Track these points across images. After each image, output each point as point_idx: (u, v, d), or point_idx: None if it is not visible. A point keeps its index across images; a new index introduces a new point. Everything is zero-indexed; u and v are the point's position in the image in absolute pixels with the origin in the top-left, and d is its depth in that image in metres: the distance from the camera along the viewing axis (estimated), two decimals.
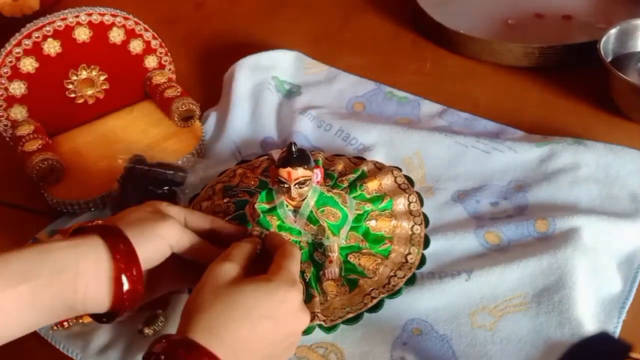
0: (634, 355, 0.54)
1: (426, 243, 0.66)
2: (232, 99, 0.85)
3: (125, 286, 0.49)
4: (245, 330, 0.46)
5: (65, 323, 0.63)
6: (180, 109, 0.80)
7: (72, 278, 0.47)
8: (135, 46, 0.82)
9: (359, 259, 0.64)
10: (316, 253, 0.64)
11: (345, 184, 0.68)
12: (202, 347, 0.44)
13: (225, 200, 0.68)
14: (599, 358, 0.56)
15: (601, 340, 0.57)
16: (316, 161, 0.68)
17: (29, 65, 0.76)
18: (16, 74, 0.76)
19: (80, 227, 0.52)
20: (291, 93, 0.88)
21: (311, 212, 0.62)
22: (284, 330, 0.49)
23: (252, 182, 0.69)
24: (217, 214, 0.68)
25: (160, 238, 0.52)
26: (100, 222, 0.54)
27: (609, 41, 0.83)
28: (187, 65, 0.96)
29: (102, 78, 0.82)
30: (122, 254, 0.49)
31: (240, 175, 0.72)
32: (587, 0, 0.99)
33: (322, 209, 0.62)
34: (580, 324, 0.58)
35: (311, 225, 0.62)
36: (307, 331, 0.60)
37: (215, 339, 0.44)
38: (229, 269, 0.50)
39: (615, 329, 0.59)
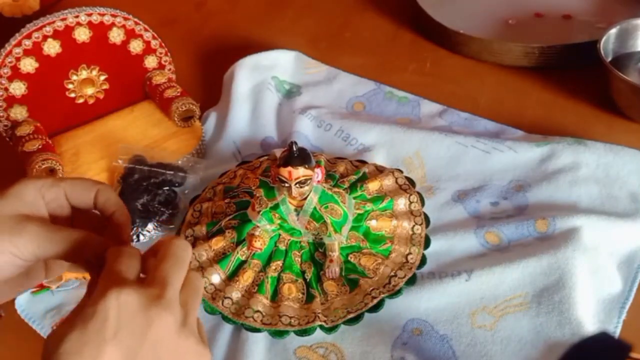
0: (634, 355, 0.54)
1: (427, 243, 0.66)
2: (232, 99, 0.85)
3: None
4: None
5: None
6: (180, 109, 0.80)
7: None
8: (135, 46, 0.82)
9: (360, 259, 0.64)
10: (317, 253, 0.64)
11: (346, 185, 0.68)
12: None
13: (226, 201, 0.69)
14: (599, 358, 0.56)
15: (601, 340, 0.57)
16: (318, 162, 0.68)
17: (29, 65, 0.76)
18: (16, 74, 0.76)
19: None
20: (291, 93, 0.88)
21: (315, 208, 0.62)
22: (138, 339, 0.38)
23: (253, 183, 0.69)
24: (217, 214, 0.68)
25: (10, 255, 0.43)
26: None
27: (609, 41, 0.83)
28: (187, 65, 0.96)
29: (102, 78, 0.82)
30: None
31: (240, 176, 0.72)
32: (587, 0, 0.99)
33: (325, 205, 0.62)
34: (580, 324, 0.58)
35: (314, 224, 0.62)
36: (308, 331, 0.60)
37: None
38: (76, 309, 0.41)
39: (615, 329, 0.59)
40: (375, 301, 0.61)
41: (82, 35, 0.78)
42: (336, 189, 0.65)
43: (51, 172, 0.74)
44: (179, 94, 0.82)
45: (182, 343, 0.40)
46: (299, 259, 0.64)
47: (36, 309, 0.65)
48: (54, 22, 0.76)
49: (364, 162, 0.74)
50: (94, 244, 0.45)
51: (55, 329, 0.40)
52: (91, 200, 0.48)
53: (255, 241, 0.63)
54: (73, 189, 0.47)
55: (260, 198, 0.63)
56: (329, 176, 0.68)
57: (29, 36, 0.75)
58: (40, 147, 0.75)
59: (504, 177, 0.73)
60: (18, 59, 0.75)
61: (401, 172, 0.73)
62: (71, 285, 0.67)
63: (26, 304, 0.65)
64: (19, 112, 0.78)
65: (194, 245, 0.67)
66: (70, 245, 0.44)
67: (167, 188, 0.73)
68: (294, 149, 0.59)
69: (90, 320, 0.37)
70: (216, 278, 0.64)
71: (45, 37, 0.76)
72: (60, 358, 0.36)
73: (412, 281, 0.63)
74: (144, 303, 0.38)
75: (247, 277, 0.63)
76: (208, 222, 0.68)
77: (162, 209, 0.72)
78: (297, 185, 0.60)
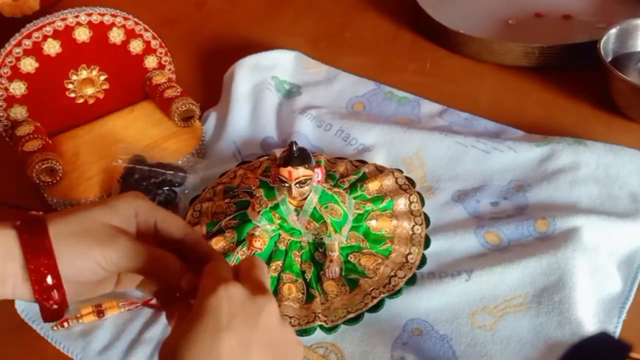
0: (634, 355, 0.54)
1: (427, 243, 0.66)
2: (232, 99, 0.85)
3: (43, 284, 0.45)
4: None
5: (65, 323, 0.63)
6: (180, 109, 0.80)
7: None
8: (135, 46, 0.82)
9: (360, 259, 0.64)
10: (317, 253, 0.64)
11: (346, 185, 0.68)
12: None
13: (226, 201, 0.69)
14: (599, 358, 0.56)
15: (601, 340, 0.57)
16: (318, 162, 0.69)
17: (29, 65, 0.76)
18: (16, 74, 0.76)
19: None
20: (291, 93, 0.88)
21: (315, 208, 0.62)
22: (251, 328, 0.41)
23: (253, 183, 0.69)
24: (217, 214, 0.68)
25: (95, 263, 0.46)
26: (37, 213, 0.48)
27: (609, 41, 0.83)
28: (187, 65, 0.96)
29: (102, 78, 0.82)
30: (33, 255, 0.44)
31: (240, 176, 0.72)
32: (587, 0, 0.99)
33: (325, 205, 0.62)
34: (580, 324, 0.58)
35: (314, 224, 0.62)
36: (308, 331, 0.60)
37: None
38: (173, 333, 0.44)
39: (615, 329, 0.59)
40: (375, 301, 0.61)
41: (82, 35, 0.78)
42: (336, 189, 0.65)
43: (51, 172, 0.74)
44: (179, 94, 0.82)
45: (285, 331, 0.43)
46: (299, 259, 0.64)
47: (36, 309, 0.65)
48: (54, 22, 0.76)
49: (364, 162, 0.74)
50: (174, 264, 0.48)
51: (170, 333, 0.43)
52: (179, 236, 0.50)
53: (255, 241, 0.63)
54: (164, 220, 0.50)
55: (260, 198, 0.63)
56: (329, 176, 0.68)
57: (29, 36, 0.75)
58: (40, 147, 0.75)
59: (504, 177, 0.73)
60: (18, 59, 0.75)
61: (401, 172, 0.73)
62: None
63: (26, 304, 0.65)
64: (19, 112, 0.78)
65: None
66: (153, 262, 0.47)
67: (167, 188, 0.73)
68: (294, 149, 0.59)
69: (204, 314, 0.40)
70: None
71: (45, 37, 0.76)
72: (181, 351, 0.39)
73: (412, 281, 0.63)
74: (250, 294, 0.42)
75: None
76: (208, 222, 0.68)
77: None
78: (297, 185, 0.60)
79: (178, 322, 0.46)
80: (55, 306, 0.46)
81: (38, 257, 0.44)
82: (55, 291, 0.45)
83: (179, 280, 0.48)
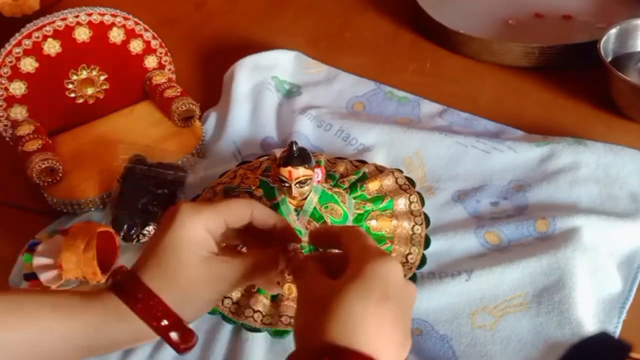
0: (634, 355, 0.54)
1: (427, 243, 0.66)
2: (232, 99, 0.85)
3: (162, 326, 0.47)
4: (376, 320, 0.43)
5: None
6: (180, 109, 0.80)
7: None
8: (135, 46, 0.82)
9: None
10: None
11: (346, 185, 0.68)
12: (355, 351, 0.41)
13: None
14: (599, 358, 0.56)
15: (601, 340, 0.57)
16: (318, 162, 0.68)
17: (29, 65, 0.76)
18: (16, 74, 0.76)
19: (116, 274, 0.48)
20: (291, 93, 0.88)
21: (315, 208, 0.62)
22: (400, 306, 0.45)
23: (253, 183, 0.69)
24: None
25: (217, 295, 0.49)
26: (124, 268, 0.49)
27: (609, 41, 0.83)
28: (187, 65, 0.96)
29: (102, 78, 0.82)
30: (143, 305, 0.46)
31: (240, 176, 0.72)
32: (587, 0, 0.99)
33: (325, 205, 0.62)
34: (580, 324, 0.58)
35: (314, 224, 0.62)
36: None
37: (354, 340, 0.42)
38: (319, 281, 0.47)
39: (615, 329, 0.59)
40: None
41: (82, 35, 0.78)
42: (336, 189, 0.65)
43: (51, 172, 0.74)
44: (179, 94, 0.82)
45: (408, 285, 0.46)
46: None
47: None
48: (54, 21, 0.76)
49: (363, 162, 0.74)
50: (265, 262, 0.52)
51: (316, 284, 0.46)
52: (247, 219, 0.52)
53: None
54: (231, 214, 0.51)
55: (260, 198, 0.63)
56: (329, 176, 0.68)
57: (29, 36, 0.75)
58: (40, 147, 0.75)
59: (504, 177, 0.73)
60: (18, 59, 0.75)
61: (401, 172, 0.73)
62: (71, 284, 0.66)
63: None
64: (19, 112, 0.78)
65: None
66: (244, 272, 0.50)
67: (167, 188, 0.73)
68: (294, 148, 0.59)
69: (371, 278, 0.43)
70: None
71: (45, 37, 0.76)
72: (343, 305, 0.42)
73: (412, 281, 0.63)
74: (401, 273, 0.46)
75: None
76: None
77: (162, 208, 0.72)
78: (297, 185, 0.60)
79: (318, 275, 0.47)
80: (178, 339, 0.47)
81: (148, 307, 0.46)
82: (172, 326, 0.47)
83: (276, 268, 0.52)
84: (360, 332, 0.42)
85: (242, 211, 0.51)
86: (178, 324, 0.47)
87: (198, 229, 0.48)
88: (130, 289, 0.46)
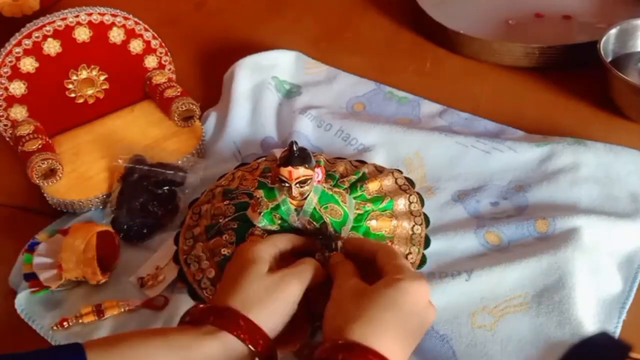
0: (634, 355, 0.54)
1: (427, 243, 0.66)
2: (232, 99, 0.85)
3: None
4: (395, 328, 0.49)
5: (65, 323, 0.63)
6: (180, 109, 0.80)
7: None
8: (135, 46, 0.82)
9: None
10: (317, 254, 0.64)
11: (346, 185, 0.68)
12: (369, 348, 0.47)
13: (225, 203, 0.68)
14: (599, 358, 0.56)
15: (601, 340, 0.57)
16: (318, 162, 0.68)
17: (29, 65, 0.76)
18: (16, 73, 0.76)
19: (200, 316, 0.52)
20: (291, 93, 0.88)
21: (315, 209, 0.62)
22: (420, 323, 0.51)
23: (251, 184, 0.69)
24: (216, 216, 0.68)
25: (292, 304, 0.54)
26: (218, 310, 0.52)
27: (609, 41, 0.83)
28: (187, 65, 0.96)
29: (102, 78, 0.82)
30: (249, 336, 0.51)
31: (239, 178, 0.72)
32: (587, 0, 0.99)
33: (325, 205, 0.62)
34: (580, 324, 0.58)
35: (314, 224, 0.62)
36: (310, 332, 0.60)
37: (373, 340, 0.47)
38: (356, 282, 0.53)
39: (615, 329, 0.59)
40: None
41: (82, 34, 0.78)
42: (336, 189, 0.65)
43: (51, 172, 0.74)
44: (179, 94, 0.82)
45: (431, 303, 0.52)
46: None
47: (36, 309, 0.65)
48: (54, 21, 0.76)
49: (363, 162, 0.74)
50: (299, 241, 0.61)
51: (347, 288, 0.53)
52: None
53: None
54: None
55: (260, 199, 0.63)
56: (328, 176, 0.68)
57: (29, 36, 0.75)
58: (40, 146, 0.75)
59: (504, 177, 0.73)
60: (18, 59, 0.75)
61: (400, 172, 0.73)
62: (71, 284, 0.67)
63: (26, 304, 0.65)
64: (19, 112, 0.78)
65: (193, 247, 0.67)
66: (290, 247, 0.60)
67: (167, 188, 0.73)
68: (295, 148, 0.59)
69: (390, 297, 0.50)
70: None
71: (45, 37, 0.76)
72: (367, 313, 0.49)
73: None
74: (420, 280, 0.52)
75: None
76: (207, 223, 0.68)
77: (162, 208, 0.72)
78: (298, 185, 0.60)
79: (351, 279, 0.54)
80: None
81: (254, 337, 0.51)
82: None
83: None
84: (379, 335, 0.48)
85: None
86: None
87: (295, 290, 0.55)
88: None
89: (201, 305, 0.53)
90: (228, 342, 0.50)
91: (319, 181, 0.62)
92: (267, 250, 0.57)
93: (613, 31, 0.84)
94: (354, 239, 0.62)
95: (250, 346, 0.50)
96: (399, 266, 0.53)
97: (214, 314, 0.51)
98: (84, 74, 0.81)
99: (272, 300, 0.52)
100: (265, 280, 0.54)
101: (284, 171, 0.59)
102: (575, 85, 0.86)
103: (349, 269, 0.56)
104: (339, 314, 0.51)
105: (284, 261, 0.58)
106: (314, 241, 0.62)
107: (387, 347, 0.47)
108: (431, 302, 0.52)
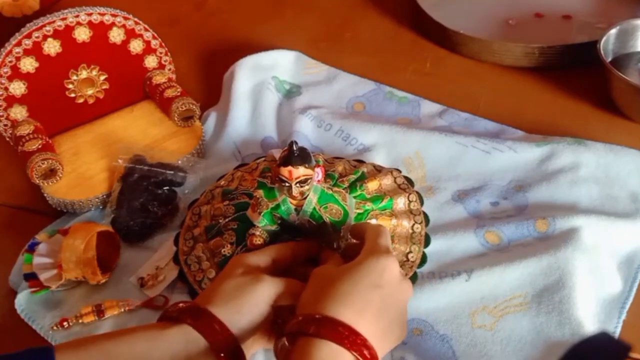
0: (634, 355, 0.54)
1: (427, 241, 0.66)
2: (232, 99, 0.85)
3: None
4: (365, 302, 0.50)
5: (65, 323, 0.63)
6: (180, 109, 0.80)
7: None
8: (135, 46, 0.82)
9: None
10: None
11: (346, 184, 0.68)
12: (338, 320, 0.48)
13: (224, 203, 0.68)
14: (599, 358, 0.56)
15: (601, 340, 0.57)
16: (317, 161, 0.68)
17: (29, 65, 0.76)
18: (16, 73, 0.76)
19: (170, 312, 0.53)
20: (291, 93, 0.88)
21: (314, 208, 0.62)
22: (390, 297, 0.52)
23: (251, 185, 0.69)
24: (216, 217, 0.68)
25: (261, 304, 0.54)
26: (184, 305, 0.53)
27: (609, 41, 0.83)
28: (187, 65, 0.96)
29: (102, 78, 0.82)
30: (218, 338, 0.51)
31: (238, 179, 0.72)
32: (587, 0, 0.99)
33: (324, 205, 0.62)
34: (580, 324, 0.58)
35: (313, 223, 0.62)
36: None
37: (344, 313, 0.49)
38: (330, 266, 0.56)
39: (615, 329, 0.59)
40: None
41: (82, 34, 0.78)
42: (336, 189, 0.65)
43: (51, 172, 0.74)
44: (179, 94, 0.82)
45: (405, 279, 0.55)
46: None
47: (36, 308, 0.65)
48: (54, 21, 0.76)
49: (362, 162, 0.74)
50: (299, 246, 0.62)
51: (330, 266, 0.56)
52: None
53: (256, 240, 0.63)
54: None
55: (260, 199, 0.63)
56: (328, 176, 0.68)
57: (29, 36, 0.75)
58: (40, 146, 0.75)
59: (504, 177, 0.73)
60: (18, 59, 0.75)
61: (399, 171, 0.73)
62: (71, 284, 0.67)
63: (26, 304, 0.65)
64: (19, 112, 0.78)
65: (193, 248, 0.67)
66: (290, 254, 0.61)
67: (167, 188, 0.73)
68: (294, 148, 0.59)
69: (367, 269, 0.52)
70: None
71: (45, 37, 0.76)
72: (342, 285, 0.51)
73: (412, 280, 0.63)
74: (387, 256, 0.54)
75: None
76: (207, 224, 0.68)
77: (162, 208, 0.72)
78: (298, 185, 0.60)
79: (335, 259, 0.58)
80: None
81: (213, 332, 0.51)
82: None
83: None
84: (345, 307, 0.49)
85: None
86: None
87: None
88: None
89: (172, 304, 0.55)
90: (189, 334, 0.50)
91: (318, 181, 0.62)
92: (253, 258, 0.58)
93: (613, 31, 0.84)
94: (355, 224, 0.63)
95: (206, 337, 0.50)
96: (374, 244, 0.55)
97: (179, 310, 0.52)
98: (84, 74, 0.81)
99: (239, 297, 0.53)
100: (237, 279, 0.54)
101: (284, 171, 0.59)
102: (575, 85, 0.86)
103: (333, 258, 0.58)
104: (311, 294, 0.52)
105: (287, 272, 0.59)
106: (315, 244, 0.62)
107: (356, 320, 0.49)
108: (404, 277, 0.55)
